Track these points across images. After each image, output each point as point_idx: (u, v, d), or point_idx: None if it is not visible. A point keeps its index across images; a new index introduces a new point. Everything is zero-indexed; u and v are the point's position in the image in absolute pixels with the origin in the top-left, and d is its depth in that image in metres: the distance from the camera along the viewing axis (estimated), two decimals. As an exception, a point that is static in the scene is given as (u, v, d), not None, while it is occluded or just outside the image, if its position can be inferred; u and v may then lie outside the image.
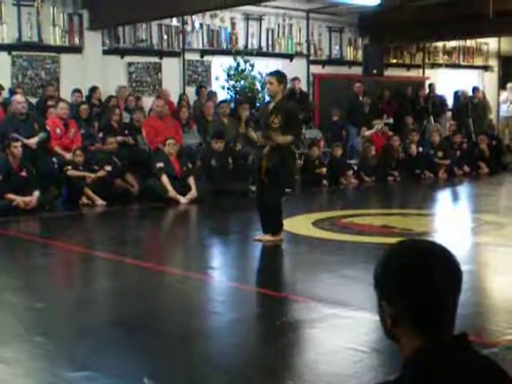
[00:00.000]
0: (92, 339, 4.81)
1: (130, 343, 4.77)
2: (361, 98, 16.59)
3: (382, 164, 14.98)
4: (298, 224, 9.42)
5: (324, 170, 14.09)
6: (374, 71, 16.90)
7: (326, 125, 16.60)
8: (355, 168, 14.79)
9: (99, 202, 11.22)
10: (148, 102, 14.34)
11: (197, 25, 15.46)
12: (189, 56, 15.47)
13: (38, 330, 4.98)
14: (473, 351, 1.71)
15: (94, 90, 13.58)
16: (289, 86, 16.17)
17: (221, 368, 4.36)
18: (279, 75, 8.36)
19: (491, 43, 20.45)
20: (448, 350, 1.68)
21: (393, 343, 1.81)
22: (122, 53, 14.64)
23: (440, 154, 15.90)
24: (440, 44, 19.49)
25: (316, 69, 17.43)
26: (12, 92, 12.73)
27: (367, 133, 15.62)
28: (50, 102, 12.69)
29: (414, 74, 19.36)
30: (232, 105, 14.47)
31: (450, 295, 1.74)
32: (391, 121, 16.99)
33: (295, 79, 16.08)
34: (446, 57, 19.79)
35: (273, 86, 8.18)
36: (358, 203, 12.53)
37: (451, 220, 10.54)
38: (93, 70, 13.89)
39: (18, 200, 10.21)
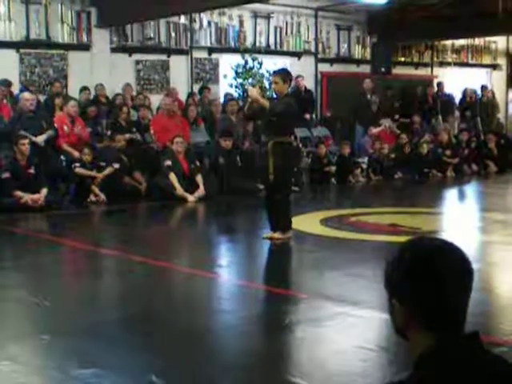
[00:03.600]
0: (99, 336, 4.81)
1: (137, 340, 4.77)
2: (369, 97, 16.54)
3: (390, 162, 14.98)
4: (306, 222, 9.40)
5: (333, 168, 14.09)
6: (382, 69, 16.85)
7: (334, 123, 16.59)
8: (363, 166, 14.77)
9: (102, 197, 11.24)
10: (156, 99, 14.34)
11: (205, 22, 15.46)
12: (197, 54, 15.47)
13: (46, 328, 4.98)
14: (484, 350, 1.70)
15: (98, 87, 13.57)
16: (293, 84, 16.21)
17: (228, 366, 4.36)
18: (284, 73, 8.33)
19: (500, 42, 20.39)
20: (461, 349, 1.67)
21: (402, 342, 1.80)
22: (129, 50, 14.65)
23: (448, 152, 15.87)
24: (448, 42, 19.43)
25: (324, 67, 17.41)
26: (25, 88, 12.72)
27: (374, 130, 15.61)
28: (57, 100, 12.70)
29: (422, 72, 19.31)
30: (240, 103, 14.47)
31: (461, 294, 1.73)
32: (405, 120, 16.90)
33: (298, 77, 16.01)
34: (454, 55, 19.73)
35: (278, 85, 8.16)
36: (366, 201, 12.50)
37: (459, 218, 10.51)
38: (100, 68, 13.90)
39: (26, 197, 10.22)
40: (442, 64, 19.54)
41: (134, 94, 14.33)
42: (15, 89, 12.89)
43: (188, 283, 6.68)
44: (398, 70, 18.16)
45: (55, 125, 11.76)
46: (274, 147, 8.03)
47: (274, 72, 8.63)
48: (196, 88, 15.27)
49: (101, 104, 13.42)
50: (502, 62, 20.73)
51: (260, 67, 15.32)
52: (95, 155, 11.61)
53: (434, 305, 1.70)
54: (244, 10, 15.84)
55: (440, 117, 17.94)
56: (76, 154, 11.64)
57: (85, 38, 14.02)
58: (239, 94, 15.15)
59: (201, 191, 11.67)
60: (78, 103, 12.54)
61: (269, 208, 8.29)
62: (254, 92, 8.33)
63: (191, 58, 15.38)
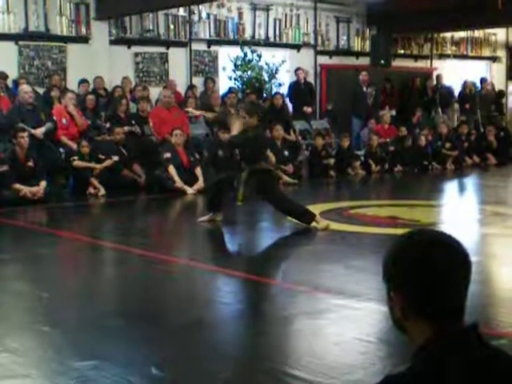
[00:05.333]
0: (99, 328, 4.81)
1: (137, 332, 4.77)
2: (365, 89, 16.53)
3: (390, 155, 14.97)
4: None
5: (332, 160, 14.07)
6: (382, 62, 16.83)
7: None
8: (362, 159, 14.77)
9: (101, 191, 11.23)
10: (155, 92, 14.33)
11: (204, 15, 15.42)
12: (196, 46, 15.44)
13: (45, 320, 4.98)
14: (483, 342, 1.70)
15: (96, 80, 13.56)
16: (293, 77, 16.22)
17: (227, 358, 4.36)
18: (249, 107, 8.56)
19: (499, 34, 20.35)
20: (459, 341, 1.67)
21: (401, 334, 1.80)
22: (128, 43, 14.63)
23: (448, 145, 15.86)
24: (448, 34, 19.40)
25: (323, 59, 17.38)
26: (16, 83, 12.72)
27: (374, 124, 15.63)
28: (52, 93, 12.70)
29: (421, 64, 19.29)
30: (239, 95, 14.50)
31: (460, 286, 1.73)
32: (393, 113, 16.92)
33: (298, 69, 16.00)
34: (453, 47, 19.71)
35: (245, 119, 8.35)
36: (365, 194, 12.50)
37: (458, 211, 10.51)
38: (99, 60, 13.89)
39: (25, 190, 10.22)
40: (441, 56, 19.51)
41: (133, 86, 14.31)
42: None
43: (187, 275, 6.68)
44: (397, 63, 18.14)
45: (54, 117, 11.75)
46: (248, 176, 8.21)
47: (242, 107, 8.88)
48: (195, 80, 15.25)
49: (100, 96, 13.41)
50: (501, 54, 20.71)
51: (259, 59, 15.32)
52: (92, 147, 11.59)
53: (432, 297, 1.70)
54: (243, 2, 15.82)
55: (440, 109, 17.94)
56: (74, 146, 11.64)
57: (84, 31, 14.00)
58: (238, 87, 15.15)
59: (200, 184, 11.67)
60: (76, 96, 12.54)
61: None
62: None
63: (190, 50, 15.35)
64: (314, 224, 8.32)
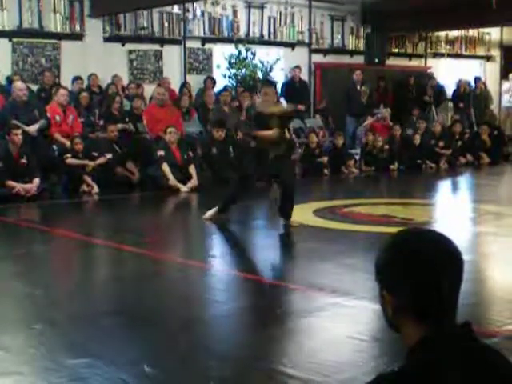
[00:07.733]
0: (92, 326, 4.80)
1: (130, 330, 4.77)
2: (359, 88, 16.53)
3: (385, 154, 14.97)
4: (299, 213, 9.36)
5: (325, 159, 14.06)
6: (376, 60, 16.83)
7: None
8: (356, 157, 14.77)
9: (95, 189, 11.19)
10: (149, 89, 14.31)
11: (198, 12, 15.41)
12: (190, 44, 15.42)
13: (38, 317, 4.98)
14: (476, 340, 1.70)
15: (91, 77, 13.54)
16: (289, 74, 16.26)
17: (220, 356, 4.35)
18: (272, 84, 8.59)
19: (493, 33, 20.39)
20: (451, 340, 1.67)
21: (394, 333, 1.80)
22: (122, 40, 14.60)
23: (441, 143, 15.87)
24: (442, 33, 19.43)
25: (318, 58, 17.38)
26: (10, 80, 12.70)
27: (367, 122, 15.62)
28: (53, 90, 12.67)
29: (416, 63, 19.31)
30: (233, 93, 14.49)
31: (452, 284, 1.72)
32: (388, 111, 16.91)
33: (296, 68, 16.05)
34: (448, 46, 19.73)
35: (268, 96, 8.29)
36: (359, 192, 12.51)
37: (452, 210, 10.52)
38: (93, 58, 13.86)
39: (19, 187, 10.19)
40: (435, 55, 19.54)
41: (125, 83, 14.29)
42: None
43: (181, 273, 6.67)
44: (391, 61, 18.15)
45: (47, 114, 11.72)
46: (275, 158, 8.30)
47: (265, 83, 8.88)
48: (189, 78, 15.24)
49: (93, 94, 13.39)
50: (495, 53, 20.75)
51: (253, 58, 15.31)
52: (86, 144, 11.56)
53: (425, 296, 1.70)
54: (237, -1, 15.82)
55: (433, 108, 17.96)
56: (67, 143, 11.61)
57: (78, 28, 13.98)
58: (232, 85, 15.14)
59: (193, 181, 11.66)
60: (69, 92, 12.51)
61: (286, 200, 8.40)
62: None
63: (184, 47, 15.34)
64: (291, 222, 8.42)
